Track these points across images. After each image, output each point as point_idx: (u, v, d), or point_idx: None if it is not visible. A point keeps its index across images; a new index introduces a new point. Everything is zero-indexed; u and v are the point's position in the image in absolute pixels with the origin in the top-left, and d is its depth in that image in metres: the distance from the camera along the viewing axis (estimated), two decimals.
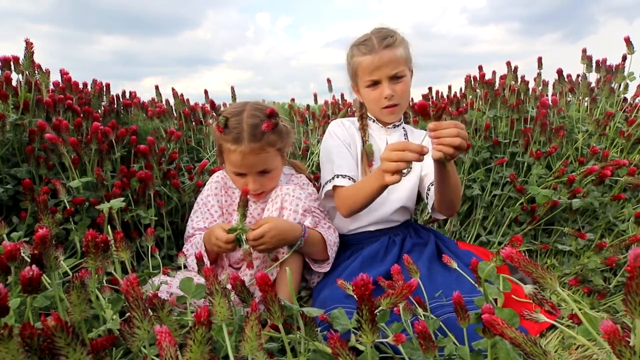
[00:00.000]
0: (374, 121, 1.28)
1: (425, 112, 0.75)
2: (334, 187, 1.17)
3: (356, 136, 1.27)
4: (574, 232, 1.38)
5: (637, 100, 1.89)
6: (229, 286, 0.66)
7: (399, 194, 1.24)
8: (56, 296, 0.64)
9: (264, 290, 0.50)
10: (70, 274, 0.85)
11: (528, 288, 0.56)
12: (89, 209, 1.19)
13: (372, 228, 1.24)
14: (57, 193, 1.10)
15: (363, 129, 1.27)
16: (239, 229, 0.93)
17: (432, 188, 1.16)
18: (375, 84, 1.17)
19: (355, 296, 0.49)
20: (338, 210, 1.18)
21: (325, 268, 1.12)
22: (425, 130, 0.80)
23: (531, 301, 0.86)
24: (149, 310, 0.51)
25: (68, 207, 1.11)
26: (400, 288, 0.60)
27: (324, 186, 1.20)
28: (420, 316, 0.69)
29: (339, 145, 1.23)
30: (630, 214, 1.37)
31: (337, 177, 1.17)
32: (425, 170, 1.25)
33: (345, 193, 1.14)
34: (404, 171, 0.91)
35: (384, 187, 1.00)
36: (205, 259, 1.06)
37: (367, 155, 1.23)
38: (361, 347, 0.61)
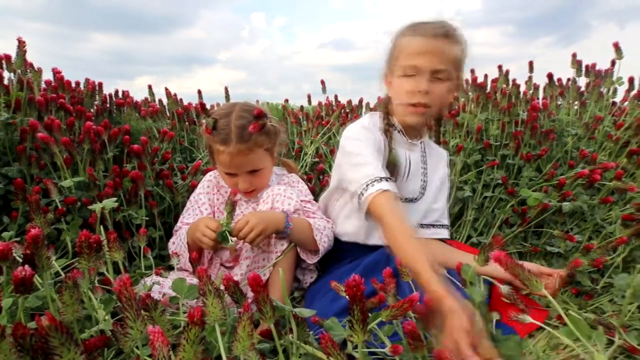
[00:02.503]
0: (399, 131, 1.12)
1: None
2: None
3: (385, 148, 1.07)
4: (563, 235, 1.40)
5: (625, 105, 1.92)
6: (222, 287, 0.67)
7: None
8: (48, 296, 0.64)
9: (255, 290, 0.51)
10: (62, 274, 0.85)
11: (504, 288, 0.58)
12: (81, 208, 1.18)
13: (370, 243, 1.16)
14: (49, 193, 1.10)
15: (388, 131, 1.07)
16: (224, 227, 0.94)
17: (420, 230, 1.14)
18: (413, 74, 1.00)
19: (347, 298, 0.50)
20: (377, 221, 0.93)
21: (318, 256, 1.12)
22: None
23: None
24: (142, 310, 0.52)
25: (60, 207, 1.11)
26: (401, 302, 0.60)
27: (364, 187, 0.94)
28: (412, 318, 0.70)
29: (369, 144, 1.02)
30: (617, 217, 1.39)
31: (381, 180, 0.93)
32: (437, 204, 1.18)
33: (397, 229, 0.87)
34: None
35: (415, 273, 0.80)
36: (186, 253, 1.06)
37: (393, 166, 1.04)
38: (357, 355, 0.62)
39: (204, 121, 1.11)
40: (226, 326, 0.55)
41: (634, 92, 1.86)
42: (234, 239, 0.96)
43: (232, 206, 0.95)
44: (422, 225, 1.19)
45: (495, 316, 0.57)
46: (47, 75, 1.60)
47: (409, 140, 1.12)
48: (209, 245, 0.99)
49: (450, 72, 1.01)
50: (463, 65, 1.04)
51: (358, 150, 1.02)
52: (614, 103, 2.00)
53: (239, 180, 1.11)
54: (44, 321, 0.38)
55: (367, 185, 0.94)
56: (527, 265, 1.00)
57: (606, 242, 1.28)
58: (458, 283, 0.88)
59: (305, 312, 0.57)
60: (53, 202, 1.11)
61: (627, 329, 0.94)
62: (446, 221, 1.23)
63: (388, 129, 1.08)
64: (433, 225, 1.19)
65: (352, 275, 0.51)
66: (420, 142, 1.16)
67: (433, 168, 1.18)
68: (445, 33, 0.99)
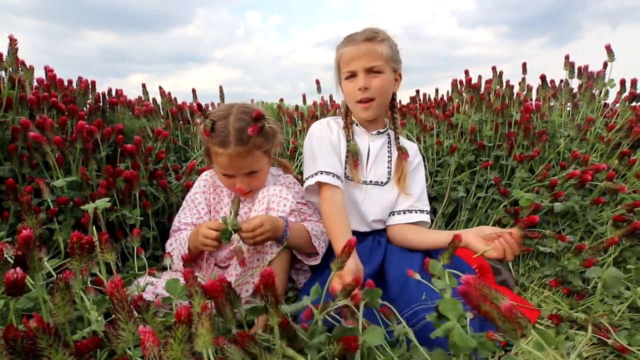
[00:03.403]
0: (357, 125, 1.28)
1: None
2: (320, 184, 1.15)
3: (341, 138, 1.25)
4: (555, 235, 1.42)
5: (616, 107, 1.94)
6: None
7: (377, 209, 1.24)
8: (40, 298, 0.63)
9: (215, 295, 0.52)
10: (54, 274, 0.84)
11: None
12: (73, 208, 1.17)
13: (357, 229, 1.24)
14: (41, 192, 1.09)
15: (347, 127, 1.26)
16: (230, 225, 0.94)
17: (395, 217, 1.23)
18: (352, 76, 1.18)
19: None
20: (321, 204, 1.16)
21: (317, 260, 1.12)
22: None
23: (515, 302, 0.88)
24: (134, 312, 0.52)
25: (52, 207, 1.10)
26: (344, 248, 0.67)
27: (306, 179, 1.18)
28: (393, 323, 0.70)
29: (323, 143, 1.21)
30: (608, 217, 1.41)
31: (321, 173, 1.15)
32: (409, 190, 1.26)
33: (329, 213, 1.11)
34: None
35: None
36: (179, 257, 1.05)
37: (352, 155, 1.22)
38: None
39: (198, 121, 1.11)
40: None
41: (626, 94, 1.88)
42: (237, 237, 0.95)
43: (237, 205, 0.95)
44: (397, 212, 1.25)
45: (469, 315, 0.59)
46: (39, 74, 1.59)
47: (370, 133, 1.28)
48: (213, 246, 0.99)
49: (381, 66, 1.17)
50: (395, 58, 1.21)
51: (311, 146, 1.23)
52: (605, 105, 2.02)
53: (237, 182, 1.11)
54: (32, 323, 0.37)
55: (310, 177, 1.17)
56: (484, 228, 1.08)
57: (597, 243, 1.29)
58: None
59: (293, 307, 0.58)
60: (45, 202, 1.10)
61: (617, 329, 0.95)
62: (423, 206, 1.28)
63: (347, 126, 1.27)
64: (409, 211, 1.25)
65: (264, 269, 0.56)
66: (386, 134, 1.30)
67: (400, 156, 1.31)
68: (368, 37, 1.17)
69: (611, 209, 1.47)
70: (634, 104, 1.87)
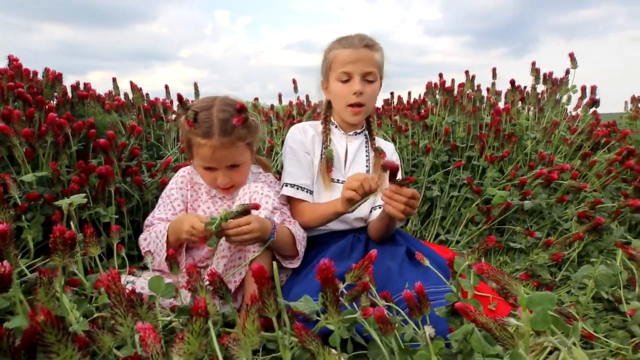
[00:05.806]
0: (336, 127, 1.30)
1: (393, 173, 0.89)
2: (287, 196, 1.21)
3: (316, 143, 1.27)
4: (524, 231, 1.49)
5: (578, 111, 2.06)
6: (206, 282, 0.65)
7: (360, 209, 1.25)
8: (16, 297, 0.60)
9: (260, 282, 0.49)
10: (28, 273, 0.80)
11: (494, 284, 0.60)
12: (43, 205, 1.11)
13: (336, 228, 1.25)
14: (7, 188, 1.02)
15: (326, 132, 1.27)
16: (222, 217, 0.91)
17: (376, 211, 1.23)
18: (347, 79, 1.19)
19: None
20: (294, 218, 1.21)
21: (295, 264, 1.12)
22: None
23: (492, 295, 0.92)
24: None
25: (20, 203, 1.04)
26: (361, 261, 0.65)
27: (284, 187, 1.23)
28: (381, 304, 0.72)
29: (292, 152, 1.25)
30: (573, 214, 1.50)
31: (285, 185, 1.21)
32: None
33: (304, 208, 1.21)
34: (357, 204, 1.02)
35: (337, 214, 1.12)
36: (163, 252, 1.02)
37: (327, 160, 1.23)
38: (331, 327, 0.64)
39: (172, 117, 1.08)
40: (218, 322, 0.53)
41: (587, 99, 2.00)
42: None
43: (243, 208, 0.92)
44: (374, 208, 1.26)
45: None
46: (1, 64, 1.50)
47: (348, 134, 1.29)
48: (197, 238, 0.95)
49: (375, 74, 1.20)
50: (383, 68, 1.24)
51: (284, 155, 1.26)
52: (566, 110, 2.14)
53: (219, 175, 1.09)
54: (39, 317, 0.35)
55: (286, 186, 1.21)
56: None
57: (563, 238, 1.37)
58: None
59: (300, 306, 0.57)
60: (12, 198, 1.03)
61: (584, 318, 1.01)
62: None
63: (325, 131, 1.27)
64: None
65: (322, 260, 0.54)
66: (363, 134, 1.32)
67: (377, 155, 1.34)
68: (368, 44, 1.18)
69: (575, 207, 1.56)
70: (593, 109, 1.99)
